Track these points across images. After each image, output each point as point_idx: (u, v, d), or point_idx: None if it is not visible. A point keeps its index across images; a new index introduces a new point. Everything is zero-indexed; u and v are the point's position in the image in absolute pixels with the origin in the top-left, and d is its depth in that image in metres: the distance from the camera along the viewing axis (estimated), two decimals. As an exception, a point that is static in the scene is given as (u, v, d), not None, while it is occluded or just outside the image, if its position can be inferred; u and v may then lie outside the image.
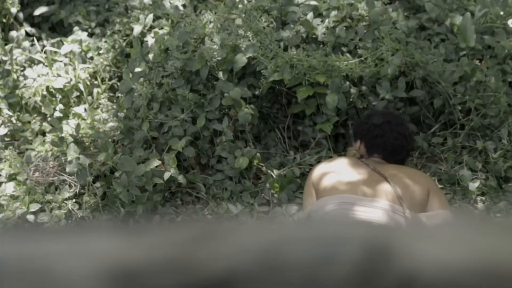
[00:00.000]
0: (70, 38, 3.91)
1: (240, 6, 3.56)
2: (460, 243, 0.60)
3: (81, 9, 4.14)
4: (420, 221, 2.54)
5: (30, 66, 3.87)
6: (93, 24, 4.10)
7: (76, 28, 4.04)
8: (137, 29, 3.79)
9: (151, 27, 3.84)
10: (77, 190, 3.19)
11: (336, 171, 2.72)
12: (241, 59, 3.25)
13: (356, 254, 0.57)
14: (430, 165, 3.35)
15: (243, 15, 3.50)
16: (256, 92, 3.40)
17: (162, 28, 3.78)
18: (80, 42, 3.87)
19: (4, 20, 4.14)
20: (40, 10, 4.15)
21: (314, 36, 3.50)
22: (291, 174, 3.24)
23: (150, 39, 3.65)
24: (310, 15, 3.50)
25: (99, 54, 3.87)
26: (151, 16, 3.81)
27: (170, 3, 3.92)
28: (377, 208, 2.54)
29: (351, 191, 2.60)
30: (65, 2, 4.27)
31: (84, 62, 3.83)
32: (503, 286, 0.56)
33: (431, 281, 0.56)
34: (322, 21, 3.53)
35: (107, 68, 3.82)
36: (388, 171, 2.71)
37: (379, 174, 2.69)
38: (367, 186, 2.63)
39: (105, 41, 3.91)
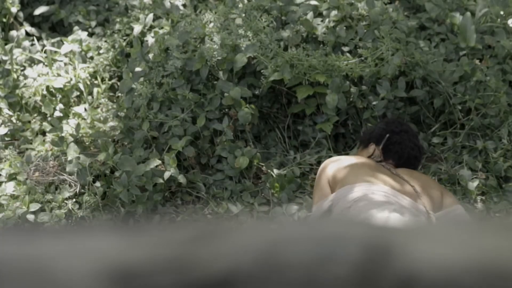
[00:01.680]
0: (70, 37, 3.91)
1: (240, 5, 3.56)
2: (460, 243, 0.60)
3: (81, 9, 4.14)
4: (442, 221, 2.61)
5: (30, 65, 3.87)
6: (93, 24, 4.10)
7: (76, 27, 4.04)
8: (137, 28, 3.79)
9: (151, 27, 3.84)
10: (77, 190, 3.19)
11: (358, 164, 2.79)
12: (241, 59, 3.25)
13: (356, 254, 0.57)
14: (430, 165, 3.35)
15: (243, 14, 3.50)
16: (256, 92, 3.40)
17: (162, 27, 3.78)
18: (80, 41, 3.87)
19: (4, 20, 4.14)
20: (40, 10, 4.15)
21: (314, 36, 3.50)
22: (291, 173, 3.24)
23: (150, 39, 3.65)
24: (310, 15, 3.50)
25: (99, 54, 3.87)
26: (151, 15, 3.82)
27: (170, 2, 3.92)
28: (404, 202, 2.61)
29: (375, 183, 2.66)
30: (65, 2, 4.27)
31: (84, 61, 3.83)
32: (504, 286, 0.56)
33: (431, 281, 0.56)
34: (322, 21, 3.53)
35: (107, 67, 3.82)
36: (405, 175, 2.81)
37: (399, 177, 2.78)
38: (391, 183, 2.70)
39: (105, 41, 3.91)
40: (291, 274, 0.56)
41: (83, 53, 3.86)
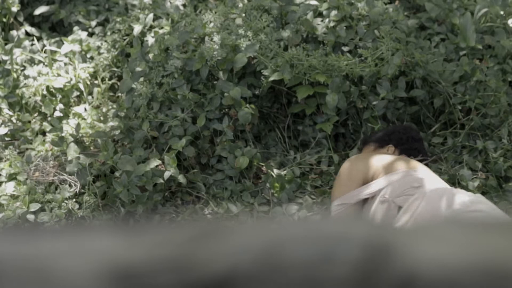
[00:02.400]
0: (70, 37, 3.91)
1: (240, 5, 3.56)
2: (460, 243, 0.60)
3: (81, 9, 4.14)
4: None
5: (30, 65, 3.87)
6: (93, 24, 4.10)
7: (76, 27, 4.04)
8: (137, 28, 3.79)
9: (151, 27, 3.84)
10: (77, 190, 3.19)
11: (389, 159, 2.87)
12: (241, 59, 3.25)
13: (356, 253, 0.57)
14: (430, 165, 3.35)
15: (243, 14, 3.50)
16: (256, 92, 3.40)
17: (162, 27, 3.78)
18: (80, 41, 3.87)
19: (4, 20, 4.14)
20: (40, 10, 4.15)
21: (314, 36, 3.50)
22: (291, 173, 3.24)
23: (150, 39, 3.65)
24: (310, 15, 3.50)
25: (99, 54, 3.87)
26: (151, 15, 3.81)
27: (170, 2, 3.92)
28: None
29: (425, 171, 2.76)
30: (65, 2, 4.27)
31: (84, 61, 3.83)
32: (504, 286, 0.56)
33: (431, 280, 0.56)
34: (322, 21, 3.53)
35: (107, 67, 3.82)
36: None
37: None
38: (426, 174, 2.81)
39: (105, 41, 3.91)
40: (291, 274, 0.56)
41: (83, 53, 3.86)
